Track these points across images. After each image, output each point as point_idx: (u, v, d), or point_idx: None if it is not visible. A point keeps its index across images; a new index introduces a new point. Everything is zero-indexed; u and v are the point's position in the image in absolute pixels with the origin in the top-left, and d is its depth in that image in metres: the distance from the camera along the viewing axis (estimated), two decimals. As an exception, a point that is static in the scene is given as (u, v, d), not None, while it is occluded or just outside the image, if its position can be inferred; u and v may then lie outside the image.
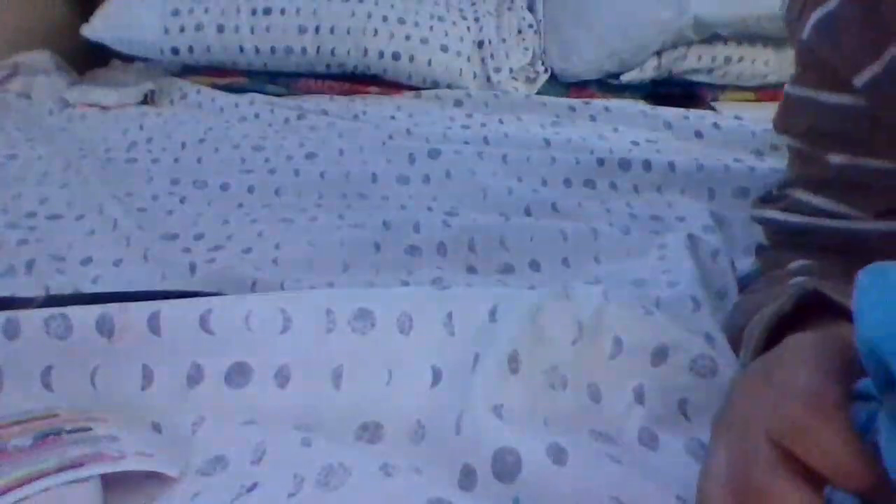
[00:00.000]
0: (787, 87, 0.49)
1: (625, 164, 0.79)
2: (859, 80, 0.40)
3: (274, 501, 0.31)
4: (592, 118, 1.00)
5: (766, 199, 0.52)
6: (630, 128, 0.95)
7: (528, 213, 0.73)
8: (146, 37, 1.20)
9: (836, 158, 0.44)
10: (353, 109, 1.06)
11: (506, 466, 0.32)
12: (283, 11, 1.16)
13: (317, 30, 1.15)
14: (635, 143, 0.88)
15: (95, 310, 0.41)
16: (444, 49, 1.17)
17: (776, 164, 0.77)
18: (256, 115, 1.07)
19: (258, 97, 1.12)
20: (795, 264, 0.46)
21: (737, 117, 0.98)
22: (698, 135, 0.90)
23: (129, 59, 1.33)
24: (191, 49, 1.19)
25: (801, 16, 0.43)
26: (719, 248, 0.61)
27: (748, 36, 1.18)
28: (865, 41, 0.39)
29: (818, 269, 0.44)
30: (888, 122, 0.40)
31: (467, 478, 0.33)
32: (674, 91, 1.24)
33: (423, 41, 1.16)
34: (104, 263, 0.65)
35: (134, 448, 0.34)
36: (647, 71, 1.22)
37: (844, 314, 0.31)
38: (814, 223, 0.46)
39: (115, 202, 0.76)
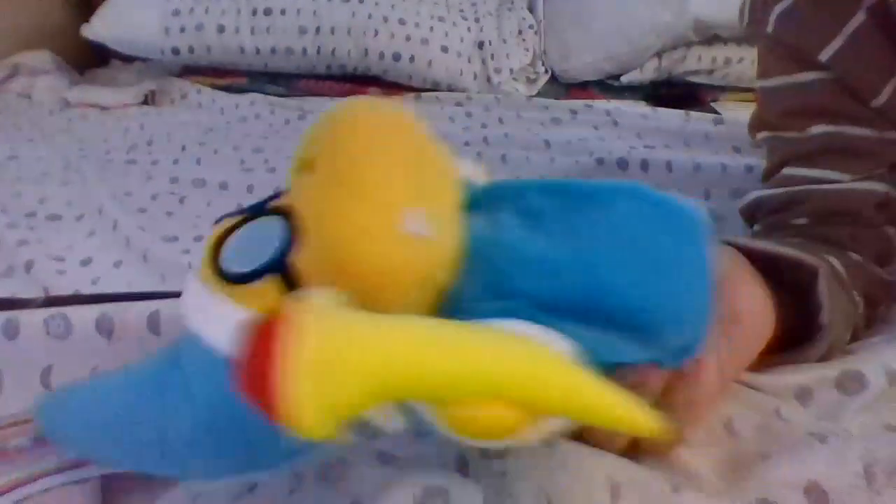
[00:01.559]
0: (759, 84, 0.53)
1: (623, 164, 0.79)
2: (825, 55, 0.45)
3: (274, 499, 0.31)
4: (593, 121, 1.01)
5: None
6: (629, 129, 0.95)
7: (527, 213, 0.73)
8: (146, 37, 1.20)
9: (816, 129, 0.47)
10: (354, 110, 1.06)
11: None
12: (283, 12, 1.16)
13: (317, 30, 1.15)
14: (633, 144, 0.88)
15: (95, 310, 0.41)
16: (445, 50, 1.17)
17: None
18: (257, 116, 1.07)
19: (258, 98, 1.12)
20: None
21: (735, 118, 0.98)
22: (697, 135, 0.90)
23: (129, 59, 1.34)
24: (191, 49, 1.19)
25: (763, 14, 0.49)
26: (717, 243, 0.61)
27: (748, 37, 1.18)
28: (824, 23, 0.45)
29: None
30: (854, 88, 0.45)
31: (466, 465, 0.33)
32: (674, 92, 1.24)
33: (424, 42, 1.16)
34: (104, 264, 0.65)
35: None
36: (648, 72, 1.22)
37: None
38: (804, 190, 0.48)
39: (115, 202, 0.76)
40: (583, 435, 0.30)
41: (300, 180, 0.26)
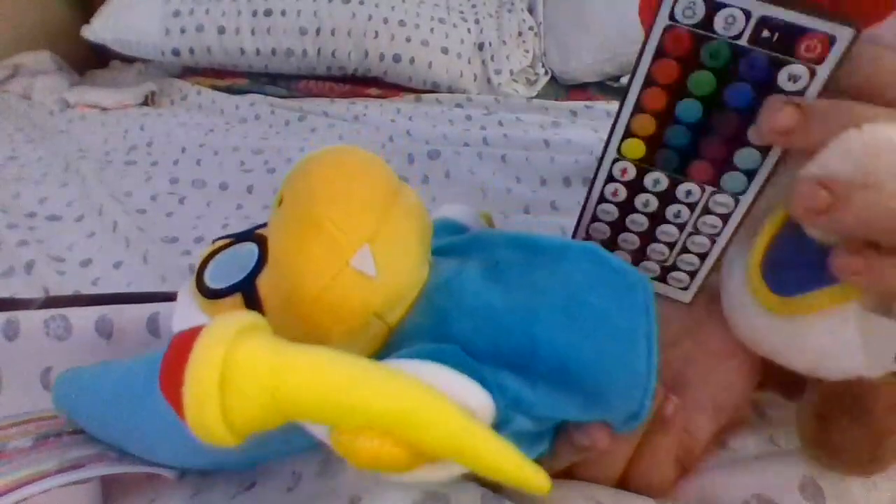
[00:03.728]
0: None
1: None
2: None
3: (273, 498, 0.31)
4: (593, 122, 1.01)
5: None
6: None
7: (526, 212, 0.73)
8: (147, 38, 1.20)
9: None
10: (354, 111, 1.07)
11: None
12: (283, 13, 1.16)
13: (317, 32, 1.15)
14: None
15: (95, 311, 0.41)
16: (445, 51, 1.17)
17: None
18: (257, 117, 1.07)
19: (258, 98, 1.12)
20: None
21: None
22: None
23: (129, 60, 1.34)
24: (191, 50, 1.19)
25: None
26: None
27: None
28: None
29: None
30: None
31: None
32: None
33: (424, 43, 1.16)
34: (104, 265, 0.65)
35: (133, 449, 0.34)
36: (647, 73, 1.22)
37: None
38: None
39: (115, 203, 0.77)
40: (573, 472, 0.30)
41: (274, 212, 0.28)
